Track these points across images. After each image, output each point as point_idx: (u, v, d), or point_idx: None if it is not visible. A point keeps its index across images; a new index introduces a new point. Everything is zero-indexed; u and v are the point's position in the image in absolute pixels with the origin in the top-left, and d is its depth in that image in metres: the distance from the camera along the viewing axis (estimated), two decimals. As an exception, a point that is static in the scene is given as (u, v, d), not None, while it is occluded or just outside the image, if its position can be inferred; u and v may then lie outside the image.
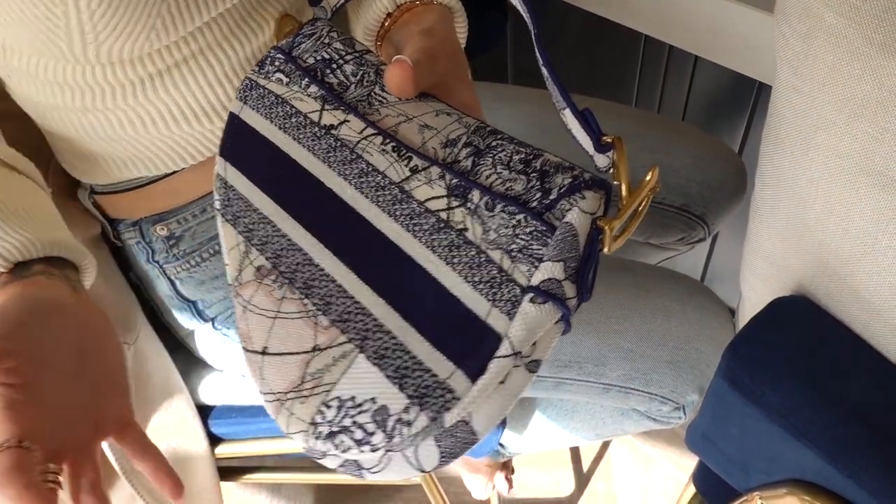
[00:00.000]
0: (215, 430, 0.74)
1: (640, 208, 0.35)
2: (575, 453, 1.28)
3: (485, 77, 1.04)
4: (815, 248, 0.46)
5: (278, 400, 0.37)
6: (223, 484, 0.76)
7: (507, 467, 1.11)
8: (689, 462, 1.20)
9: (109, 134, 0.54)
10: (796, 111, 0.44)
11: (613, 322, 0.65)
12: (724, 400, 0.48)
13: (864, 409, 0.43)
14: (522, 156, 0.36)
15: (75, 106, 0.52)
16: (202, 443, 0.72)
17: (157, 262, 0.62)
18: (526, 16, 0.42)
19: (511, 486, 1.11)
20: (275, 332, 0.40)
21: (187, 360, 0.71)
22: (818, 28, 0.41)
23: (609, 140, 0.36)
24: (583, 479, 1.25)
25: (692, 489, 0.65)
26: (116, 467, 0.59)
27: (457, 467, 1.15)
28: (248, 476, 0.84)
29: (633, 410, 0.73)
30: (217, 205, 0.45)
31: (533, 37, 0.40)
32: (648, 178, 0.34)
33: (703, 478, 0.61)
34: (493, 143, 0.37)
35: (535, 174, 0.35)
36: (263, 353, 0.39)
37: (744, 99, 0.95)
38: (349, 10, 0.55)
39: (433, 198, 0.37)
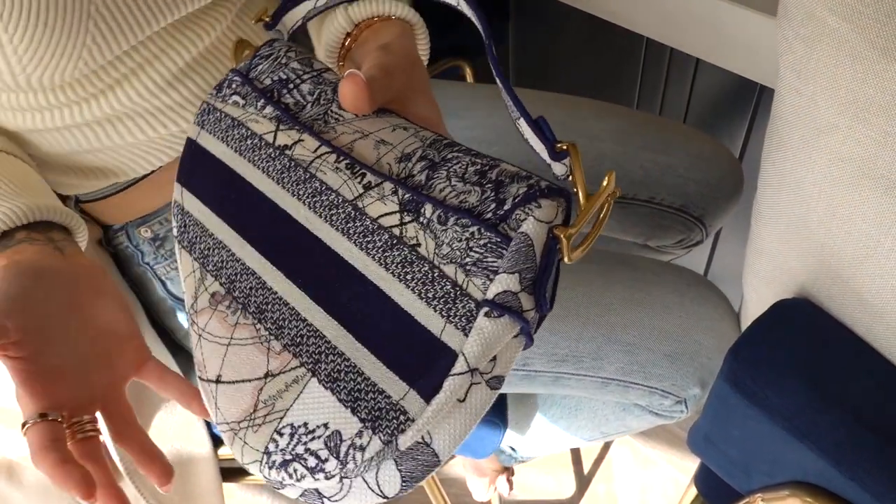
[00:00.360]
0: (218, 431, 0.74)
1: (601, 215, 0.34)
2: (576, 455, 1.28)
3: (487, 78, 1.04)
4: (817, 251, 0.46)
5: (232, 430, 0.37)
6: (225, 485, 0.77)
7: (507, 468, 1.12)
8: (690, 464, 1.20)
9: (74, 147, 0.54)
10: (799, 114, 0.45)
11: (612, 315, 0.65)
12: (727, 402, 0.48)
13: (867, 411, 0.43)
14: (478, 167, 0.35)
15: (35, 126, 0.52)
16: (206, 444, 0.72)
17: (147, 263, 0.63)
18: (477, 23, 0.42)
19: (511, 488, 1.11)
20: (228, 359, 0.39)
21: (188, 362, 0.71)
22: (821, 32, 0.41)
23: (563, 147, 0.35)
24: (583, 481, 1.25)
25: (693, 491, 0.65)
26: (120, 468, 0.59)
27: (464, 470, 1.15)
28: (251, 478, 0.84)
29: (634, 405, 0.73)
30: (174, 231, 0.45)
31: (486, 46, 0.40)
32: (605, 183, 0.33)
33: (705, 479, 0.62)
34: (449, 156, 0.36)
35: (489, 185, 0.34)
36: (217, 381, 0.39)
37: (745, 101, 0.95)
38: (310, 31, 0.55)
39: (386, 214, 0.36)
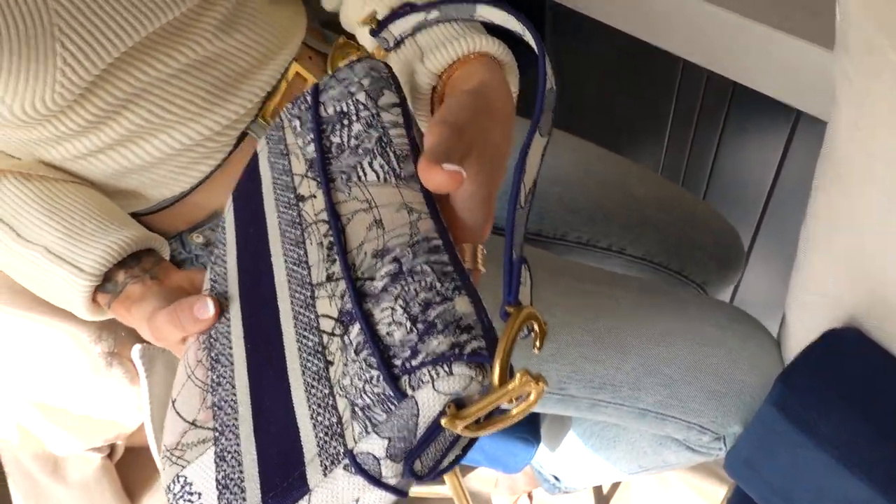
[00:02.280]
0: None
1: (514, 412, 0.29)
2: (595, 475, 1.28)
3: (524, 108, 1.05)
4: (869, 283, 0.46)
5: (163, 454, 0.39)
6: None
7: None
8: (710, 487, 1.20)
9: (116, 169, 0.55)
10: (856, 147, 0.45)
11: (652, 346, 0.66)
12: (773, 428, 0.49)
13: (919, 443, 0.43)
14: (431, 295, 0.32)
15: (69, 155, 0.53)
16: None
17: (203, 264, 0.64)
18: (533, 43, 0.41)
19: (532, 506, 1.12)
20: (184, 390, 0.41)
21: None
22: (882, 65, 0.42)
23: (509, 311, 0.31)
24: (602, 501, 1.25)
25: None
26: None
27: (500, 489, 1.16)
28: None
29: (671, 439, 0.73)
30: (216, 240, 0.47)
31: (540, 86, 0.38)
32: (515, 382, 0.28)
33: (741, 505, 0.62)
34: (419, 268, 0.33)
35: (421, 325, 0.30)
36: (172, 403, 0.41)
37: (780, 127, 0.96)
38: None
39: (327, 316, 0.35)
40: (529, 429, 0.83)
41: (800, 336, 0.56)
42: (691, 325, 0.67)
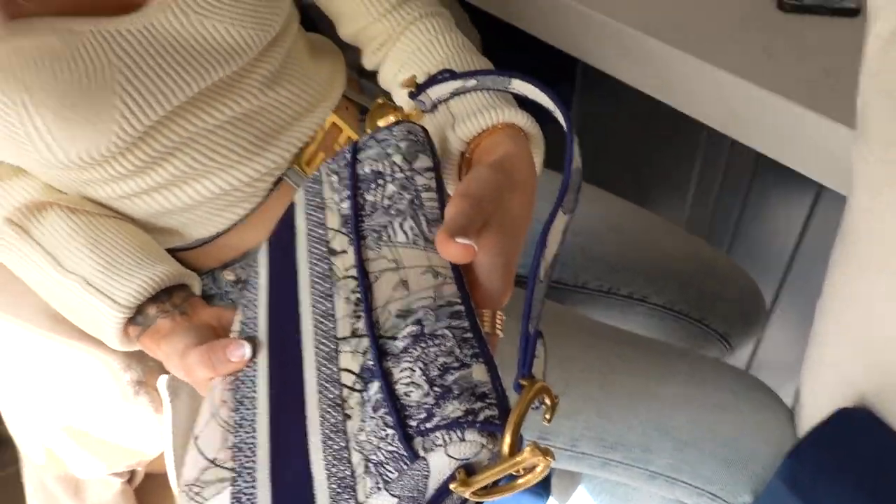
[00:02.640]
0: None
1: (521, 482, 0.30)
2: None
3: (547, 149, 1.07)
4: (883, 366, 0.47)
5: (182, 487, 0.40)
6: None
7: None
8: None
9: (156, 209, 0.58)
10: (872, 232, 0.46)
11: (665, 408, 0.66)
12: (781, 502, 0.49)
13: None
14: (450, 360, 0.33)
15: (115, 195, 0.56)
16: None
17: (231, 300, 0.66)
18: (562, 120, 0.42)
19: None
20: (207, 428, 0.43)
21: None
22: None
23: (523, 384, 0.32)
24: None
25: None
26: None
27: None
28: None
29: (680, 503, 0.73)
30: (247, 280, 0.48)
31: (567, 151, 0.39)
32: (525, 454, 0.29)
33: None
34: (440, 332, 0.34)
35: (438, 388, 0.32)
36: (195, 439, 0.42)
37: (803, 198, 0.97)
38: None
39: (348, 371, 0.36)
40: (540, 482, 0.83)
41: (812, 410, 0.56)
42: (705, 390, 0.67)
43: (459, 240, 0.36)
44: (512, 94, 0.51)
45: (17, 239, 0.55)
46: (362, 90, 0.72)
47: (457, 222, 0.38)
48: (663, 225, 0.84)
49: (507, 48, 0.84)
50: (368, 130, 0.49)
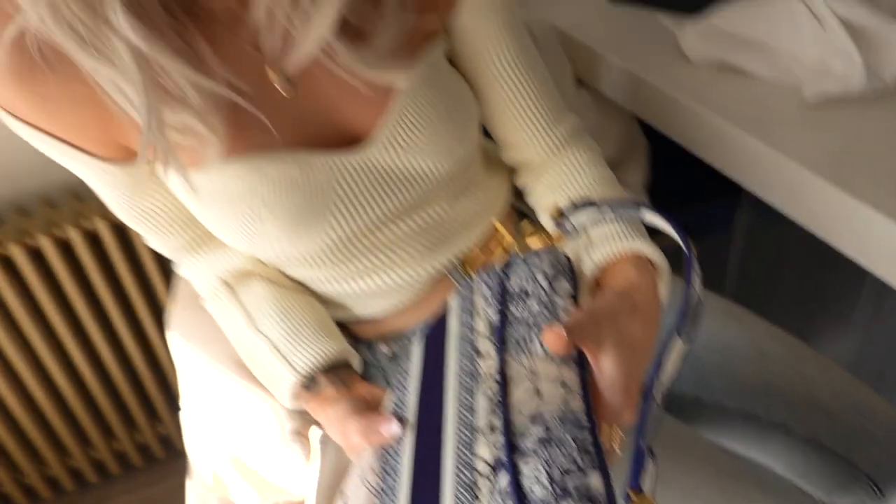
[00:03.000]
0: None
1: None
2: None
3: (704, 263, 1.06)
4: None
5: None
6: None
7: None
8: None
9: (333, 292, 0.67)
10: None
11: None
12: None
13: None
14: (572, 466, 0.36)
15: (301, 277, 0.65)
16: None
17: (382, 368, 0.72)
18: (678, 239, 0.45)
19: None
20: (355, 489, 0.48)
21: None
22: None
23: (631, 495, 0.36)
24: None
25: None
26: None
27: None
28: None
29: None
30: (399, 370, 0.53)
31: (686, 264, 0.42)
32: None
33: None
34: (565, 439, 0.38)
35: (559, 488, 0.35)
36: (346, 499, 0.48)
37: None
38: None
39: (483, 459, 0.40)
40: None
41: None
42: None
43: (558, 330, 0.41)
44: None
45: (227, 295, 0.65)
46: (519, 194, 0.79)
47: (568, 323, 0.43)
48: (809, 352, 0.80)
49: (678, 157, 0.86)
50: (519, 251, 0.56)
